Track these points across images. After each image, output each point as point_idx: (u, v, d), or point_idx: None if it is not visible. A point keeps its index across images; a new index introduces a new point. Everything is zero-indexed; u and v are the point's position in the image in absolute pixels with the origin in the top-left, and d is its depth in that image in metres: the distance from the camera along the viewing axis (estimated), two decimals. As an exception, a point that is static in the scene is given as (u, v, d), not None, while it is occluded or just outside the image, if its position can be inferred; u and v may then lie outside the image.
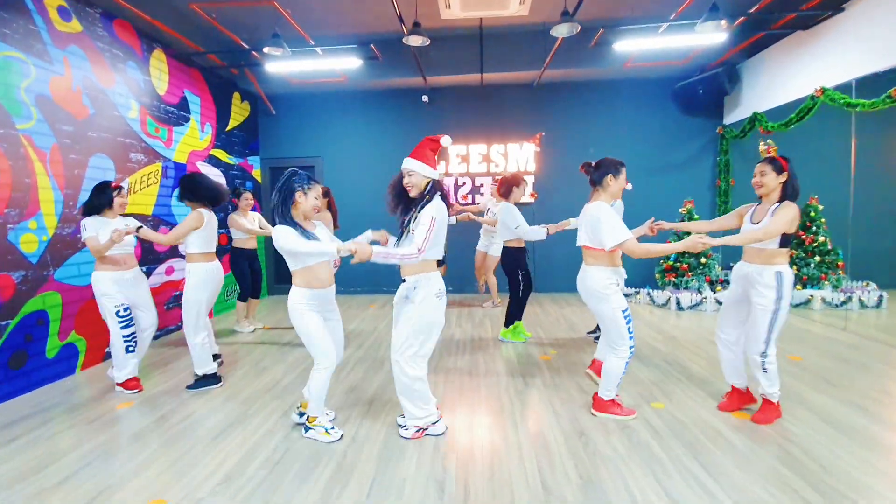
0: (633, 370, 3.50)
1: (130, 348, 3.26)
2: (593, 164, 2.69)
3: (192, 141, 5.44)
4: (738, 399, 2.76)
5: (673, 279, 5.87)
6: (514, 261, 4.21)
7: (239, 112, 6.48)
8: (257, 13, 4.78)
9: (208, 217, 3.32)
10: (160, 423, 2.78)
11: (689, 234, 3.06)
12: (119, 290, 3.20)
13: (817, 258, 5.66)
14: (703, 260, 5.73)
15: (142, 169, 4.63)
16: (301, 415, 2.68)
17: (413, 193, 2.40)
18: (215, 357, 3.62)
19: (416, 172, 2.36)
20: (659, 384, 3.22)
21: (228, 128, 6.22)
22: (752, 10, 4.46)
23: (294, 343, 4.49)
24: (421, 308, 2.37)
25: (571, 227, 3.97)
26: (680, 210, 5.87)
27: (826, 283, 5.59)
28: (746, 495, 1.93)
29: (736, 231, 2.63)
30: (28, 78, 3.44)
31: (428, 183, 2.38)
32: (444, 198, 2.40)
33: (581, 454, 2.32)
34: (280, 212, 2.39)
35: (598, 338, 4.18)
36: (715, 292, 5.59)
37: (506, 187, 4.20)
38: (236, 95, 6.42)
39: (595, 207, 2.55)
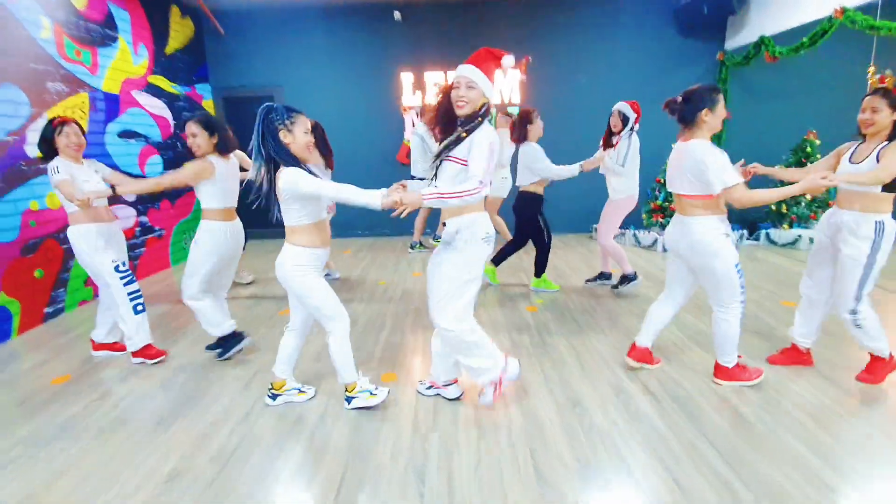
0: (623, 324, 3.28)
1: (140, 307, 2.79)
2: (680, 98, 2.21)
3: (124, 66, 4.64)
4: (795, 356, 2.59)
5: (660, 219, 5.61)
6: (533, 207, 3.84)
7: (180, 30, 5.57)
8: None
9: (224, 166, 2.71)
10: (98, 404, 2.43)
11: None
12: (107, 244, 2.72)
13: (808, 196, 5.43)
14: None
15: (63, 101, 3.92)
16: (273, 397, 2.37)
17: (465, 111, 1.95)
18: (237, 336, 2.96)
19: (478, 87, 1.93)
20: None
21: (169, 50, 5.36)
22: None
23: (259, 296, 4.12)
24: (463, 254, 2.03)
25: (606, 163, 3.69)
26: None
27: (815, 221, 5.41)
28: (767, 487, 1.73)
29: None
30: None
31: (484, 103, 1.97)
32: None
33: (577, 431, 2.09)
34: (275, 153, 1.96)
35: (614, 286, 4.02)
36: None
37: (520, 128, 3.74)
38: (174, 10, 5.48)
39: (697, 147, 2.13)
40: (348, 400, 2.28)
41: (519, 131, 3.74)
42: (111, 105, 4.45)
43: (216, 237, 2.71)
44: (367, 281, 4.54)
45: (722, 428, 2.08)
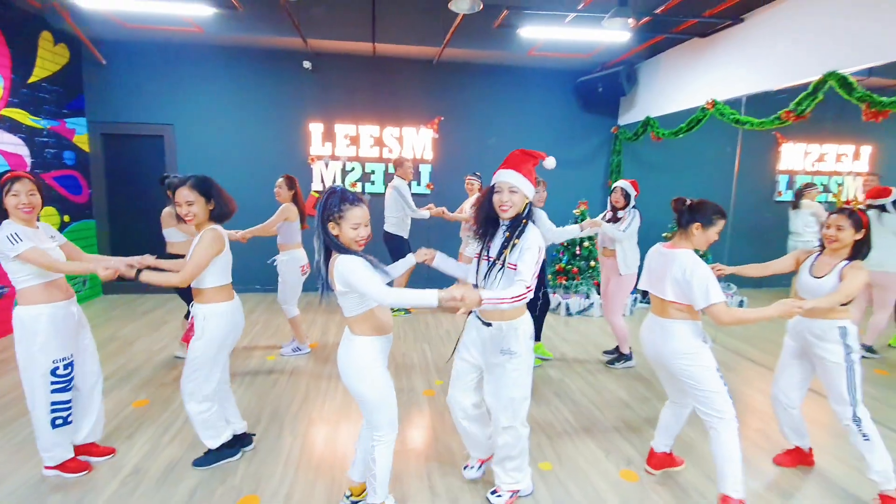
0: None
1: (59, 421, 2.21)
2: (688, 202, 2.19)
3: (-38, 96, 3.92)
4: (799, 458, 2.59)
5: (563, 282, 5.77)
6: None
7: (50, 59, 4.91)
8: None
9: (224, 235, 2.29)
10: None
11: None
12: (59, 332, 2.17)
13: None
14: (591, 263, 5.69)
15: None
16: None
17: (509, 214, 1.97)
18: (245, 438, 2.58)
19: (520, 190, 1.95)
20: (547, 430, 2.92)
21: (33, 79, 4.67)
22: (658, 11, 4.21)
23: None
24: (525, 357, 2.04)
25: (602, 232, 3.74)
26: (574, 211, 5.72)
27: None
28: None
29: (791, 274, 2.48)
30: None
31: (527, 204, 1.98)
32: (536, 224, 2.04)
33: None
34: (330, 240, 1.80)
35: (610, 362, 3.97)
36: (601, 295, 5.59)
37: None
38: (45, 36, 4.83)
39: (685, 259, 2.08)
40: None
41: None
42: (-62, 141, 3.71)
43: (224, 321, 2.27)
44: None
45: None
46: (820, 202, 5.60)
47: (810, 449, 2.60)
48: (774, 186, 6.88)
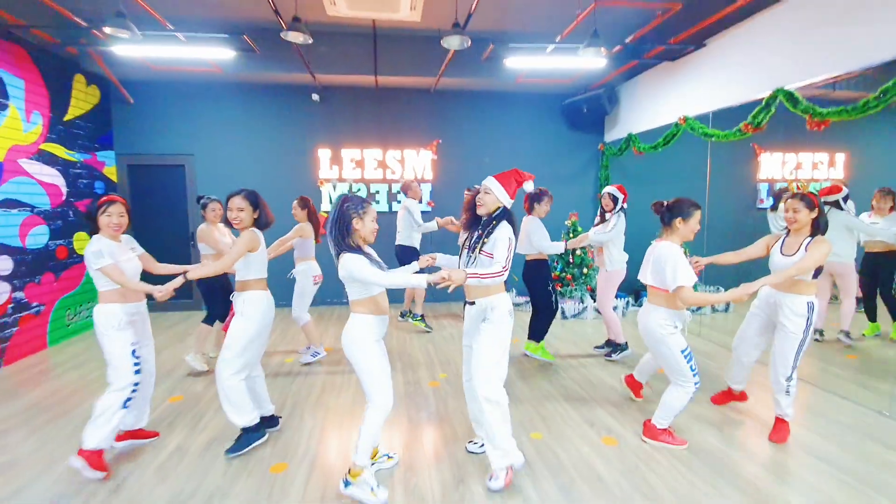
0: (515, 392, 3.52)
1: (129, 402, 2.57)
2: (665, 203, 2.67)
3: (12, 133, 4.42)
4: (731, 396, 3.21)
5: (559, 288, 6.14)
6: (537, 273, 4.04)
7: (83, 98, 5.45)
8: (95, -14, 3.99)
9: (261, 237, 2.75)
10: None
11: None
12: (131, 322, 2.61)
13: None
14: (584, 270, 6.07)
15: (-70, 170, 3.63)
16: (346, 483, 2.29)
17: (480, 211, 2.42)
18: (273, 420, 2.97)
19: (492, 192, 2.39)
20: (539, 409, 3.26)
21: (68, 117, 5.19)
22: (627, 40, 4.71)
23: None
24: (499, 327, 2.35)
25: (589, 241, 4.10)
26: (566, 222, 6.13)
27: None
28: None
29: (765, 260, 2.85)
30: None
31: (498, 207, 2.39)
32: (514, 224, 2.40)
33: (457, 508, 2.21)
34: (341, 241, 2.19)
35: (608, 354, 4.33)
36: (595, 301, 5.94)
37: (530, 203, 4.02)
38: (79, 78, 5.38)
39: (665, 248, 2.56)
40: (346, 483, 2.25)
41: (529, 205, 4.03)
42: (-8, 173, 4.18)
43: (261, 306, 2.69)
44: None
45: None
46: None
47: (742, 392, 3.20)
48: (756, 194, 7.30)
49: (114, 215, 2.56)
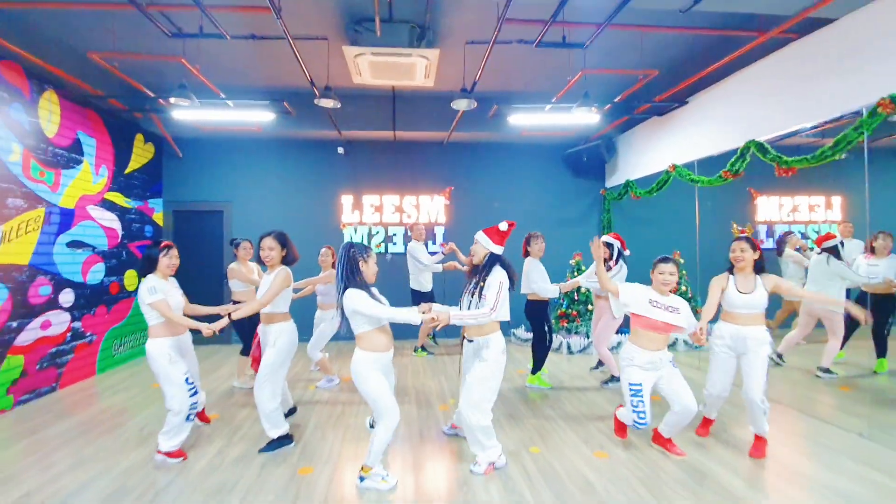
0: (518, 413, 3.82)
1: (191, 416, 3.07)
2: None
3: (84, 185, 5.14)
4: (709, 423, 3.41)
5: (565, 325, 6.45)
6: (538, 312, 4.45)
7: (141, 154, 6.24)
8: (164, 65, 4.79)
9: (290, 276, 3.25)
10: (23, 502, 2.55)
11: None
12: (181, 356, 3.09)
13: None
14: (589, 307, 6.40)
15: (20, 215, 4.30)
16: (362, 479, 2.72)
17: (474, 261, 2.92)
18: (292, 411, 3.66)
19: (479, 243, 2.89)
20: (539, 429, 3.56)
21: (128, 170, 5.96)
22: (616, 99, 5.31)
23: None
24: (492, 364, 2.76)
25: (581, 285, 4.51)
26: (570, 262, 6.54)
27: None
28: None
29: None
30: None
31: (486, 255, 2.86)
32: (507, 267, 2.81)
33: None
34: (350, 279, 2.61)
35: (604, 382, 4.64)
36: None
37: (525, 246, 4.45)
38: (139, 137, 6.20)
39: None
40: (361, 479, 2.66)
41: (524, 248, 4.47)
42: (65, 219, 4.86)
43: (292, 336, 3.18)
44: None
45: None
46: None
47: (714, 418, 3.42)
48: (755, 236, 7.62)
49: (173, 258, 3.12)
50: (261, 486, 2.71)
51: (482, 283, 2.78)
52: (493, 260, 2.84)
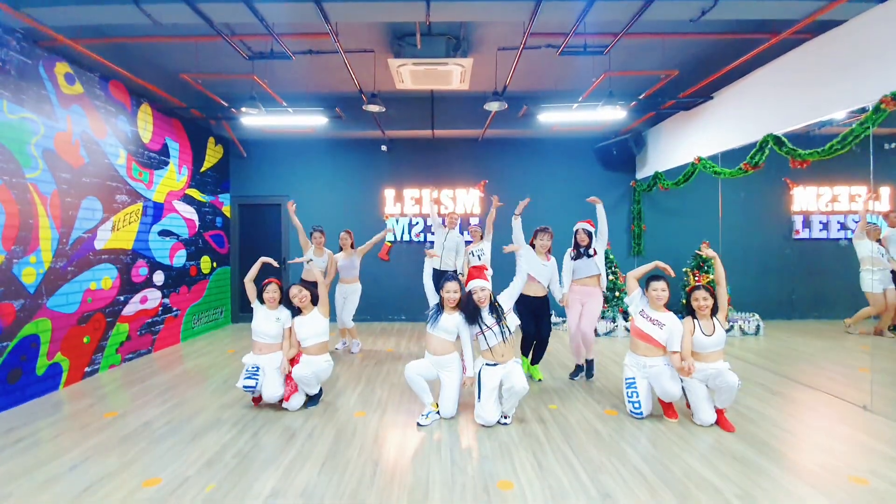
0: (543, 384, 4.32)
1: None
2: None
3: (171, 182, 6.04)
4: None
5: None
6: (521, 304, 4.17)
7: (213, 154, 7.14)
8: (238, 80, 5.57)
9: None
10: (145, 427, 3.34)
11: None
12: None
13: (711, 293, 6.79)
14: (616, 293, 6.75)
15: (125, 208, 5.21)
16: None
17: (485, 304, 3.42)
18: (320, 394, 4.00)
19: (488, 288, 3.44)
20: (559, 391, 4.05)
21: (203, 169, 6.85)
22: (641, 97, 5.63)
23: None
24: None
25: (565, 290, 4.31)
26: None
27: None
28: (596, 465, 2.74)
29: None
30: (37, 135, 4.06)
31: (491, 294, 3.46)
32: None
33: (485, 441, 3.08)
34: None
35: (588, 375, 4.43)
36: (626, 321, 6.57)
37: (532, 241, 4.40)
38: (211, 140, 7.09)
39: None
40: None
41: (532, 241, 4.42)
42: (157, 211, 5.76)
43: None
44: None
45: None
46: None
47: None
48: (791, 226, 7.65)
49: (273, 293, 3.79)
50: (321, 430, 3.37)
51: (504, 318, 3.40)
52: (494, 303, 3.45)
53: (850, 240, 7.51)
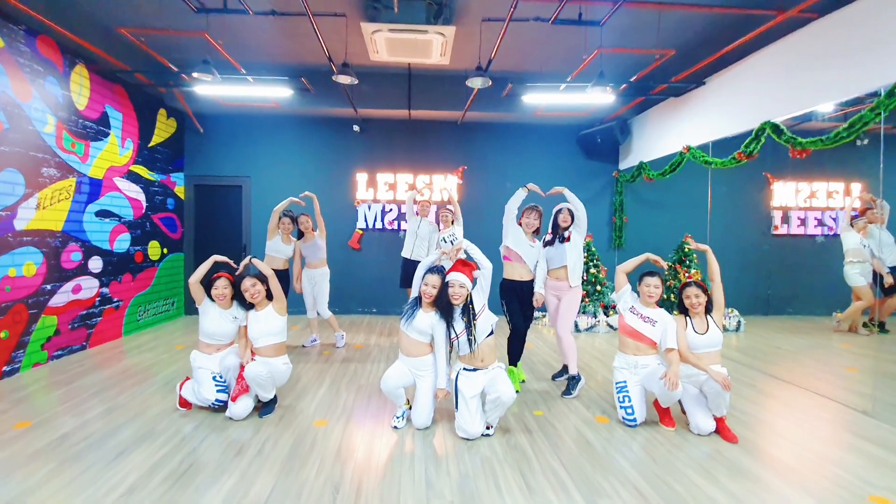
0: (526, 384, 3.97)
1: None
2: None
3: (111, 156, 5.35)
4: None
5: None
6: (504, 292, 3.89)
7: (164, 128, 6.43)
8: (188, 40, 4.92)
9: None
10: (61, 441, 2.79)
11: None
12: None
13: (693, 288, 6.61)
14: (598, 287, 6.48)
15: (53, 184, 4.53)
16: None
17: (459, 303, 2.99)
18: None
19: (466, 286, 3.00)
20: (544, 395, 3.71)
21: (151, 144, 6.16)
22: (632, 79, 5.31)
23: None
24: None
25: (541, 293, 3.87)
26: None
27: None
28: (592, 487, 2.39)
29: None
30: (-67, 89, 3.37)
31: (468, 295, 3.02)
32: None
33: (465, 455, 2.69)
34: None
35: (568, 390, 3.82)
36: (608, 317, 6.32)
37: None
38: (162, 112, 6.38)
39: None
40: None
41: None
42: (94, 189, 5.08)
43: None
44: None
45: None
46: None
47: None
48: (770, 221, 7.57)
49: (221, 289, 3.31)
50: (276, 439, 2.91)
51: (474, 322, 2.98)
52: (470, 301, 3.02)
53: (827, 236, 7.55)
